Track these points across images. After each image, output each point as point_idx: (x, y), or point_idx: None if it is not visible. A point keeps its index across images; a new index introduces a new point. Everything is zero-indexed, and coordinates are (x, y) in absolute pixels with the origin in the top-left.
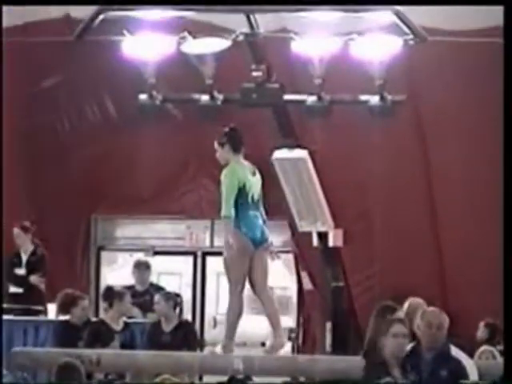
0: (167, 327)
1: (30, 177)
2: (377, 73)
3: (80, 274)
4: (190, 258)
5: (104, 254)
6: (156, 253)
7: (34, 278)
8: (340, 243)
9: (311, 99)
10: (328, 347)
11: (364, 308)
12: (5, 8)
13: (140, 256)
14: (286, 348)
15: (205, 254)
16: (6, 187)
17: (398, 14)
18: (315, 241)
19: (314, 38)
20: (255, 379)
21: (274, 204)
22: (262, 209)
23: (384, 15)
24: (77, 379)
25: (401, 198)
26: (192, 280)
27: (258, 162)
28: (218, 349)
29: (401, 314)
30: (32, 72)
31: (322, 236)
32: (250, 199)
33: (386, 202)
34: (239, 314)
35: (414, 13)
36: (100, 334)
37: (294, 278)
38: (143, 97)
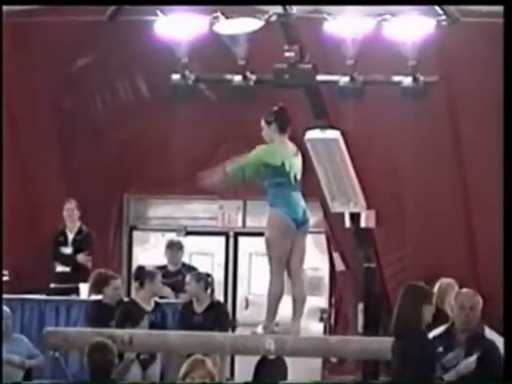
0: (199, 308)
1: (62, 157)
2: (409, 53)
3: (112, 254)
4: (222, 239)
5: (136, 234)
6: (188, 233)
7: (80, 257)
8: (372, 224)
9: (344, 80)
10: (360, 328)
11: (396, 289)
12: None
13: (172, 236)
14: (318, 328)
15: (237, 235)
16: (42, 168)
17: None
18: (347, 222)
19: (347, 19)
20: (287, 359)
21: (307, 184)
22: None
23: None
24: (109, 359)
25: (433, 179)
26: (224, 260)
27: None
28: (259, 329)
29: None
30: (65, 52)
31: (355, 217)
32: (292, 179)
33: (418, 183)
34: (280, 295)
35: None
36: (130, 314)
37: (326, 258)
38: (176, 77)
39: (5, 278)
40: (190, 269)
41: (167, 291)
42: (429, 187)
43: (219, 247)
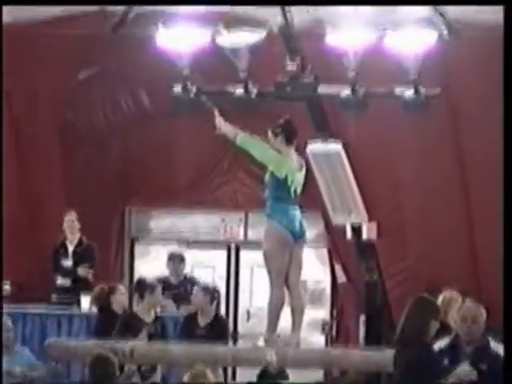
0: (203, 321)
1: (64, 169)
2: (411, 66)
3: (114, 266)
4: (224, 251)
5: (138, 246)
6: (190, 245)
7: (81, 270)
8: (374, 236)
9: (345, 92)
10: (361, 340)
11: (398, 301)
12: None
13: (174, 248)
14: (320, 340)
15: (238, 247)
16: (42, 179)
17: (435, 8)
18: (349, 234)
19: (349, 31)
20: (288, 371)
21: (308, 196)
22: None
23: (419, 8)
24: (110, 371)
25: (434, 191)
26: (226, 273)
27: None
28: (260, 342)
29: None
30: (68, 65)
31: (356, 229)
32: (292, 193)
33: (420, 195)
34: (281, 306)
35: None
36: (130, 325)
37: (328, 270)
38: (178, 89)
39: (6, 290)
40: (193, 281)
41: (169, 303)
42: (430, 199)
43: (221, 259)
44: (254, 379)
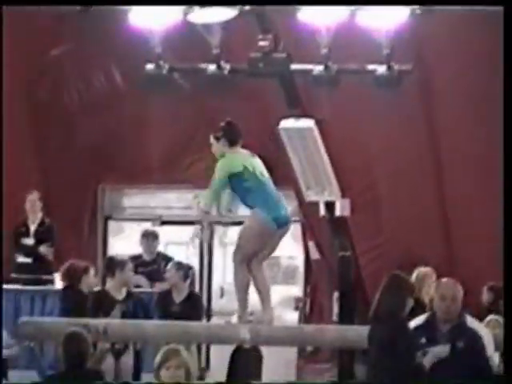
0: (177, 298)
1: (37, 147)
2: (383, 42)
3: (87, 244)
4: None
5: (111, 224)
6: (163, 222)
7: (42, 248)
8: (347, 213)
9: (318, 69)
10: (335, 317)
11: (371, 277)
12: None
13: (147, 226)
14: (293, 317)
15: (211, 224)
16: (13, 157)
17: None
18: (322, 210)
19: (321, 7)
20: (262, 348)
21: (281, 173)
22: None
23: None
24: (84, 349)
25: (407, 167)
26: (199, 250)
27: (264, 131)
28: (234, 319)
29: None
30: (39, 42)
31: (329, 205)
32: (260, 177)
33: (393, 171)
34: (247, 284)
35: None
36: (102, 303)
37: (301, 247)
38: (150, 66)
39: None
40: (166, 258)
41: (142, 280)
42: (403, 175)
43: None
44: (228, 356)
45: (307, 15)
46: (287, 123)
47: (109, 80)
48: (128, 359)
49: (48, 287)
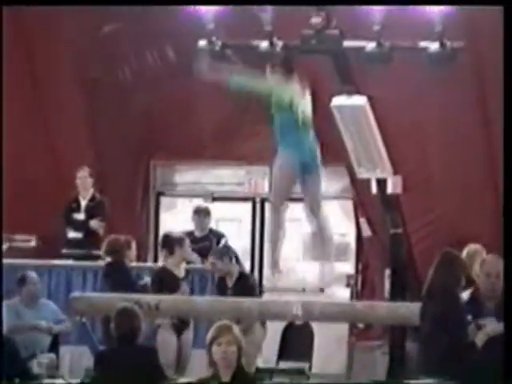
0: (230, 282)
1: (90, 123)
2: (436, 19)
3: (139, 220)
4: (249, 205)
5: (163, 200)
6: (215, 199)
7: (93, 223)
8: (399, 190)
9: (371, 46)
10: (386, 294)
11: (423, 255)
12: None
13: (199, 202)
14: (345, 294)
15: (264, 201)
16: (66, 133)
17: None
18: (374, 188)
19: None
20: (314, 325)
21: (333, 150)
22: (313, 133)
23: None
24: (135, 324)
25: (460, 144)
26: (251, 226)
27: (316, 108)
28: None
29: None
30: (92, 19)
31: (381, 183)
32: (300, 117)
33: (445, 148)
34: (280, 236)
35: None
36: (164, 282)
37: (353, 224)
38: (202, 43)
39: (32, 244)
40: (218, 234)
41: (193, 257)
42: (456, 153)
43: (246, 213)
44: (280, 333)
45: None
46: (339, 100)
47: (161, 56)
48: (188, 335)
49: (99, 263)
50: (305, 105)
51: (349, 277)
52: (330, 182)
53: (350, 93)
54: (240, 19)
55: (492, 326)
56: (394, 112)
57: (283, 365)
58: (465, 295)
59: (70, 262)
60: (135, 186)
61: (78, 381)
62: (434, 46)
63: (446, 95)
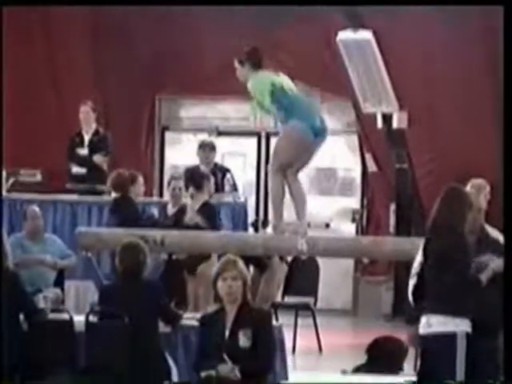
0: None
1: (95, 57)
2: None
3: (144, 155)
4: (254, 139)
5: (168, 135)
6: (220, 133)
7: (97, 158)
8: (404, 125)
9: None
10: (392, 229)
11: (428, 190)
12: None
13: (204, 137)
14: (350, 229)
15: (269, 135)
16: (72, 66)
17: None
18: (380, 122)
19: None
20: (319, 260)
21: (339, 85)
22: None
23: None
24: (140, 259)
25: (465, 79)
26: (256, 161)
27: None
28: (269, 230)
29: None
30: None
31: (387, 118)
32: (289, 92)
33: (450, 83)
34: (283, 193)
35: None
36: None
37: (358, 159)
38: None
39: (37, 179)
40: (223, 169)
41: None
42: (460, 87)
43: (251, 148)
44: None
45: None
46: (345, 35)
47: None
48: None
49: (105, 198)
50: (285, 80)
51: (354, 212)
52: (336, 117)
53: (355, 27)
54: None
55: (496, 263)
56: (399, 46)
57: (288, 299)
58: (468, 230)
59: (74, 196)
60: (140, 121)
61: (83, 315)
62: None
63: (453, 30)
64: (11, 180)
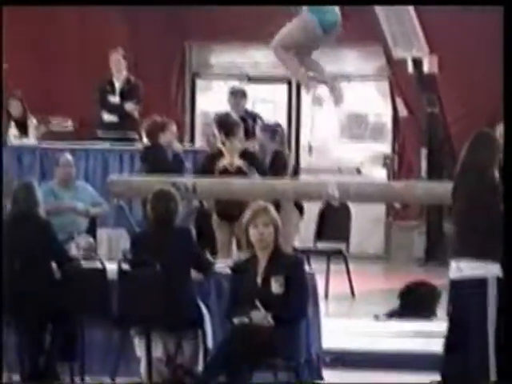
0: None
1: (126, 8)
2: None
3: (175, 102)
4: (285, 86)
5: (199, 82)
6: (250, 80)
7: (128, 106)
8: (435, 69)
9: None
10: (423, 173)
11: (459, 134)
12: None
13: (235, 83)
14: (382, 174)
15: (299, 83)
16: (101, 15)
17: None
18: (410, 67)
19: None
20: (350, 205)
21: (369, 30)
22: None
23: None
24: (172, 206)
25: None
26: (287, 108)
27: None
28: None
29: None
30: None
31: (417, 62)
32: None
33: (483, 28)
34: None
35: None
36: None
37: (389, 104)
38: None
39: (69, 127)
40: (253, 115)
41: None
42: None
43: (282, 94)
44: (317, 214)
45: None
46: None
47: None
48: None
49: (136, 146)
50: None
51: (385, 157)
52: (366, 62)
53: None
54: None
55: None
56: None
57: (320, 245)
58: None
59: (106, 144)
60: (170, 68)
61: (115, 263)
62: None
63: None
64: (42, 129)
